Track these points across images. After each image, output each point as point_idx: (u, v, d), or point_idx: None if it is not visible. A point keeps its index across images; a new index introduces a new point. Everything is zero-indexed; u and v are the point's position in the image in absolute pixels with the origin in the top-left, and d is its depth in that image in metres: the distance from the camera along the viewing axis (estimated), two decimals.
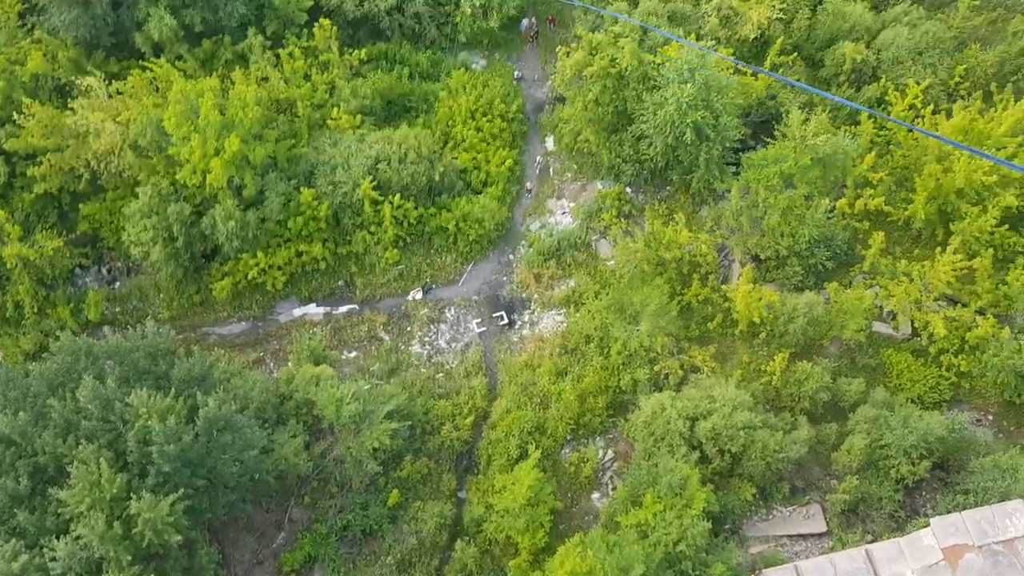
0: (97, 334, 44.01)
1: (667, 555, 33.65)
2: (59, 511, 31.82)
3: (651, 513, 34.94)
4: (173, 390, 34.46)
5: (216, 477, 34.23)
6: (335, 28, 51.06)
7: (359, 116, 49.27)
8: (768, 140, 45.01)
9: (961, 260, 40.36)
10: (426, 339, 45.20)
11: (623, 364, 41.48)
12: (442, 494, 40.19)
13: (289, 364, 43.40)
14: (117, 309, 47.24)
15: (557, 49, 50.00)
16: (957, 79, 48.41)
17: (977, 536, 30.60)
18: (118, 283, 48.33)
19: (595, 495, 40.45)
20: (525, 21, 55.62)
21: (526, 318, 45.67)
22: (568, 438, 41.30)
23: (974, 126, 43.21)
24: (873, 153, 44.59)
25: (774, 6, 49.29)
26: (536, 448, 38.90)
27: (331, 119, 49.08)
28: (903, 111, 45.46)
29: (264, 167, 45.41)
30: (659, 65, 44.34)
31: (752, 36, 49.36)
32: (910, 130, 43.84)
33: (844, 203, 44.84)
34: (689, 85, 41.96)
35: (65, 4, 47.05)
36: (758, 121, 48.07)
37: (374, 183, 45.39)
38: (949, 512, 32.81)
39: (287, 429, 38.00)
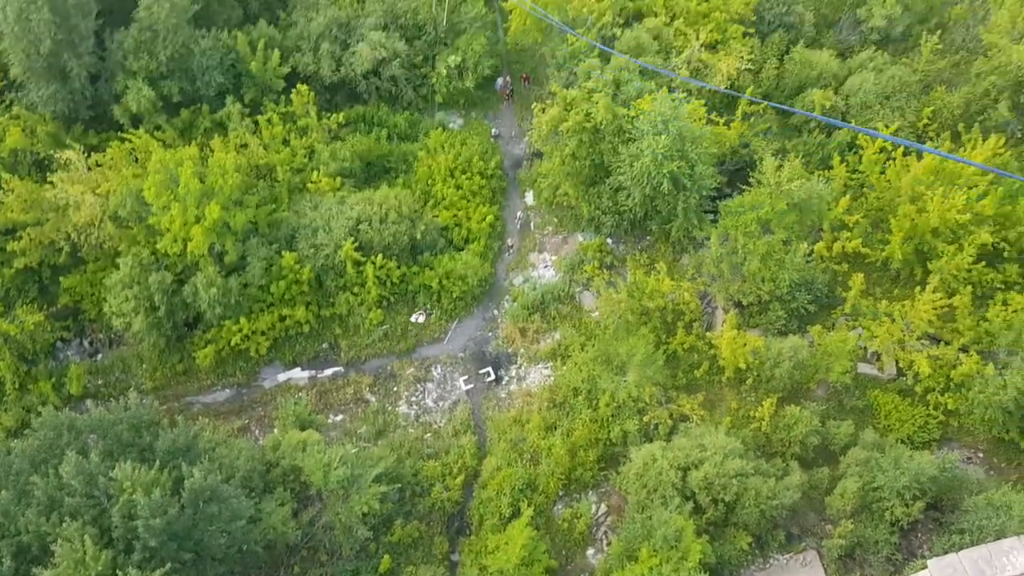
0: (80, 408, 43.58)
1: None
2: None
3: (647, 568, 34.46)
4: (158, 462, 34.02)
5: (203, 550, 33.58)
6: (312, 93, 51.72)
7: (339, 178, 49.65)
8: (744, 187, 45.60)
9: (941, 298, 40.70)
10: (413, 399, 44.92)
11: (612, 416, 41.33)
12: (435, 558, 39.54)
13: (275, 430, 42.96)
14: (100, 382, 46.73)
15: (532, 106, 50.79)
16: (925, 121, 49.44)
17: None
18: (100, 355, 47.90)
19: (590, 551, 39.92)
20: (500, 80, 56.61)
21: (513, 373, 45.55)
22: (560, 494, 40.91)
23: (945, 166, 43.99)
24: (847, 196, 45.24)
25: (742, 57, 50.43)
26: (528, 505, 38.48)
27: (311, 182, 49.42)
28: (874, 154, 46.30)
29: (245, 233, 45.51)
30: (633, 118, 45.06)
31: (723, 87, 50.31)
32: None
33: (822, 246, 45.32)
34: (663, 136, 42.60)
35: (43, 80, 47.50)
36: (733, 169, 48.77)
37: (356, 244, 45.54)
38: (946, 553, 32.41)
39: (274, 497, 37.45)
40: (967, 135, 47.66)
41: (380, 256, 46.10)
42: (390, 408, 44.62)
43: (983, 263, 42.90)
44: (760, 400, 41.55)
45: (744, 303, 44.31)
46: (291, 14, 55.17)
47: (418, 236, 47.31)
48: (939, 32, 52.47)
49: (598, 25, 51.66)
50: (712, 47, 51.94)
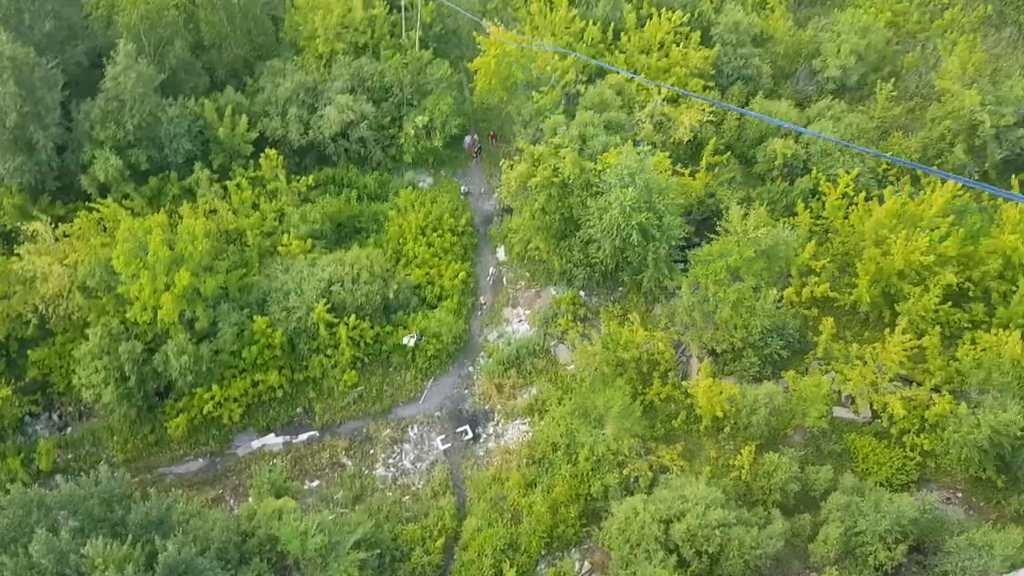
0: (49, 483, 42.29)
1: None
2: None
3: None
4: (130, 536, 33.13)
5: None
6: (281, 157, 51.98)
7: (310, 240, 49.64)
8: (712, 236, 46.22)
9: (910, 340, 41.24)
10: (390, 461, 44.35)
11: (592, 470, 41.04)
12: None
13: (250, 499, 42.11)
14: (70, 456, 45.68)
15: (501, 162, 51.32)
16: (885, 166, 50.62)
17: None
18: (70, 428, 46.90)
19: None
20: (468, 138, 57.26)
21: (491, 430, 45.22)
22: (543, 553, 40.32)
23: (906, 209, 44.96)
24: (813, 242, 46.00)
25: (703, 109, 51.51)
26: (511, 566, 37.93)
27: (282, 246, 49.34)
28: (837, 199, 47.21)
29: (216, 298, 45.19)
30: (600, 171, 45.69)
31: (686, 139, 51.39)
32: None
33: (791, 292, 45.89)
34: (631, 188, 43.18)
35: (9, 152, 47.27)
36: (700, 218, 49.45)
37: (328, 306, 45.35)
38: None
39: (251, 568, 36.47)
40: (926, 178, 48.82)
41: (353, 317, 45.91)
42: (367, 471, 43.98)
43: (949, 303, 43.66)
44: (739, 448, 41.55)
45: (718, 351, 44.58)
46: (258, 80, 55.64)
47: (391, 295, 47.23)
48: (893, 80, 54.14)
49: (562, 82, 52.63)
50: (674, 101, 53.07)
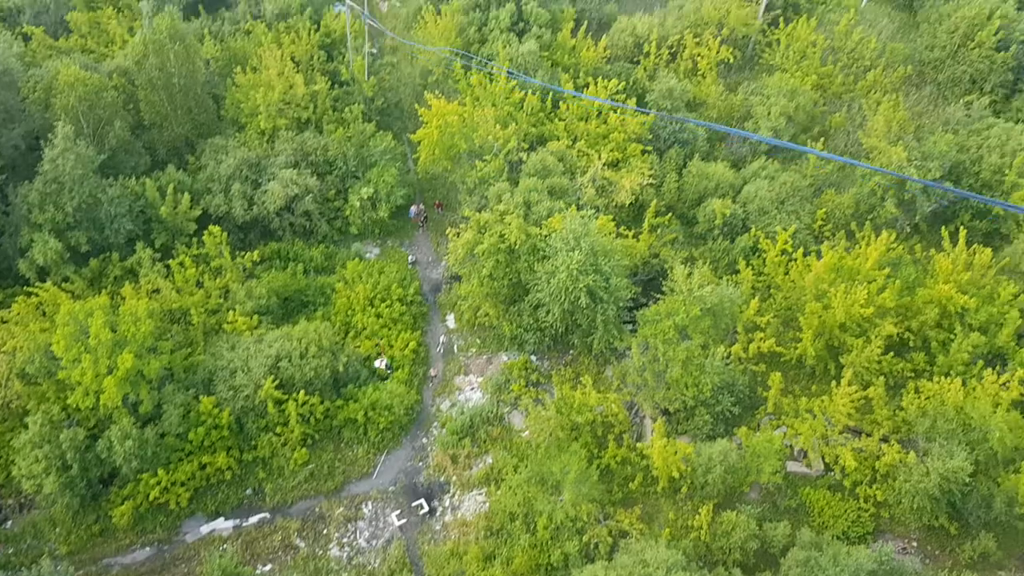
0: None
1: None
2: None
3: None
4: None
5: None
6: (225, 233, 51.58)
7: (256, 316, 49.03)
8: (658, 296, 46.84)
9: (856, 391, 42.03)
10: (344, 540, 43.20)
11: (551, 538, 40.50)
12: None
13: None
14: (10, 551, 43.48)
15: (447, 231, 51.69)
16: (820, 222, 52.23)
17: None
18: (9, 522, 44.79)
19: None
20: (413, 208, 57.65)
21: (447, 503, 44.49)
22: None
23: (843, 263, 46.25)
24: (756, 298, 46.92)
25: (643, 173, 52.75)
26: None
27: (227, 323, 48.62)
28: (777, 256, 48.41)
29: (160, 380, 44.14)
30: (546, 236, 46.26)
31: (628, 202, 52.42)
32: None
33: (738, 348, 46.56)
34: (576, 252, 43.73)
35: None
36: (646, 279, 50.23)
37: (276, 382, 44.59)
38: None
39: None
40: (860, 233, 50.43)
41: (302, 392, 45.16)
42: (321, 552, 42.73)
43: (891, 354, 44.77)
44: (696, 508, 41.55)
45: (671, 410, 44.83)
46: (200, 158, 55.51)
47: (340, 368, 46.67)
48: (822, 139, 56.19)
49: (505, 151, 53.51)
50: (614, 165, 54.31)
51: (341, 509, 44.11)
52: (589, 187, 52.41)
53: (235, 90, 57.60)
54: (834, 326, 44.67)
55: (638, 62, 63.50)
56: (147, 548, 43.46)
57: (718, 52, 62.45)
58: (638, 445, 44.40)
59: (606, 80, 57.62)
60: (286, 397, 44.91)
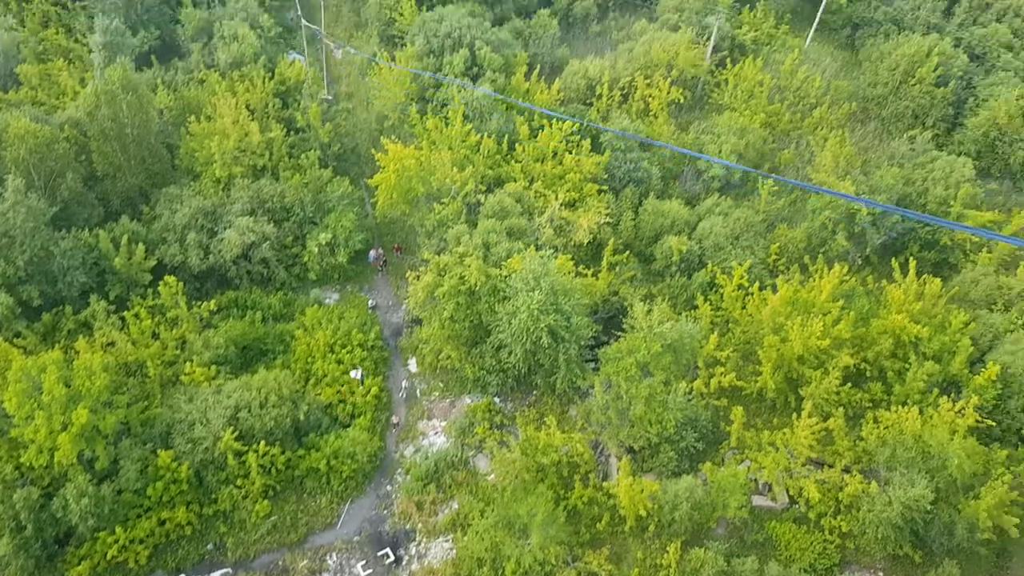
0: None
1: None
2: None
3: None
4: None
5: None
6: (181, 283, 50.85)
7: (214, 367, 48.26)
8: (619, 334, 47.07)
9: (817, 422, 42.47)
10: None
11: None
12: None
13: None
14: None
15: (407, 274, 51.63)
16: (774, 256, 53.16)
17: None
18: None
19: None
20: (372, 252, 57.53)
21: (413, 551, 43.78)
22: None
23: (799, 296, 47.00)
24: (715, 333, 47.38)
25: (600, 212, 53.32)
26: None
27: (185, 374, 47.76)
28: (733, 291, 49.07)
29: (116, 435, 43.12)
30: (506, 277, 46.39)
31: (586, 241, 52.87)
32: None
33: (700, 384, 46.88)
34: (537, 292, 43.90)
35: None
36: (606, 317, 50.52)
37: (236, 433, 43.75)
38: None
39: None
40: (813, 266, 51.40)
41: (263, 443, 44.34)
42: None
43: (849, 385, 45.39)
44: (664, 546, 41.44)
45: (635, 448, 44.85)
46: (154, 207, 54.92)
47: (301, 417, 46.00)
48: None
49: (462, 193, 53.77)
50: (571, 205, 54.83)
51: (305, 561, 43.19)
52: (547, 227, 52.80)
53: (189, 139, 57.28)
54: (792, 358, 45.24)
55: (591, 104, 64.52)
56: None
57: (669, 93, 63.77)
58: (604, 484, 44.27)
59: (560, 122, 58.29)
60: (246, 448, 44.07)
